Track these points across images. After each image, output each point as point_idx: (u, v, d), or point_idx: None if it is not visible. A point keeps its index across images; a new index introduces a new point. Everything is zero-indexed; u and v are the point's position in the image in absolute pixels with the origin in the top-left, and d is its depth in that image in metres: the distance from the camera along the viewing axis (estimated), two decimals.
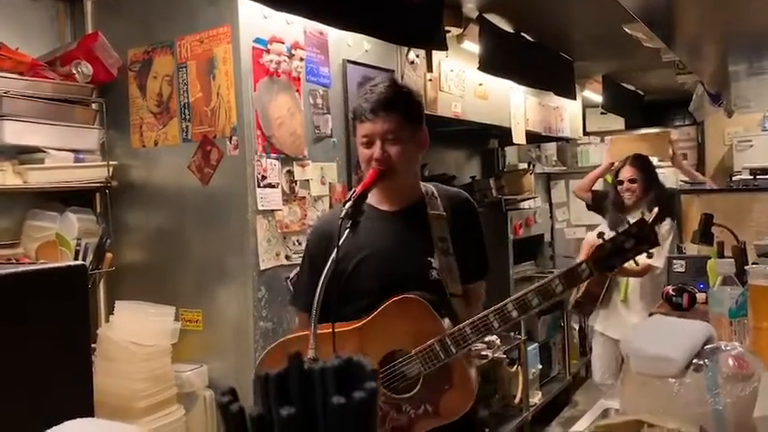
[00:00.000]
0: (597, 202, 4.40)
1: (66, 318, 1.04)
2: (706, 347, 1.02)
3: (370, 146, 1.72)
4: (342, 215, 1.63)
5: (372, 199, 1.82)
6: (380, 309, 1.68)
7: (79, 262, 1.78)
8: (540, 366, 4.99)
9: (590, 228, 5.52)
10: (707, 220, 2.94)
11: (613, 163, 4.50)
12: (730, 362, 0.96)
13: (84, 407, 1.03)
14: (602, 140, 6.28)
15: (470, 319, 1.62)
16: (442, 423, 1.65)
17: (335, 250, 1.58)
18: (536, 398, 4.83)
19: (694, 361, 0.99)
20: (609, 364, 3.88)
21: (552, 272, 5.55)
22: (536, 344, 4.93)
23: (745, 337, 1.56)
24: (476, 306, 1.81)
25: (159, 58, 2.53)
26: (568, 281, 1.57)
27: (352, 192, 1.68)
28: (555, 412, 5.17)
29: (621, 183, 3.73)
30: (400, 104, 1.72)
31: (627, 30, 3.10)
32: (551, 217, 6.56)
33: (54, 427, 0.66)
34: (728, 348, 1.00)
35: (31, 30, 2.60)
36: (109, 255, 2.58)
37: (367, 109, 1.71)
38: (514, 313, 1.58)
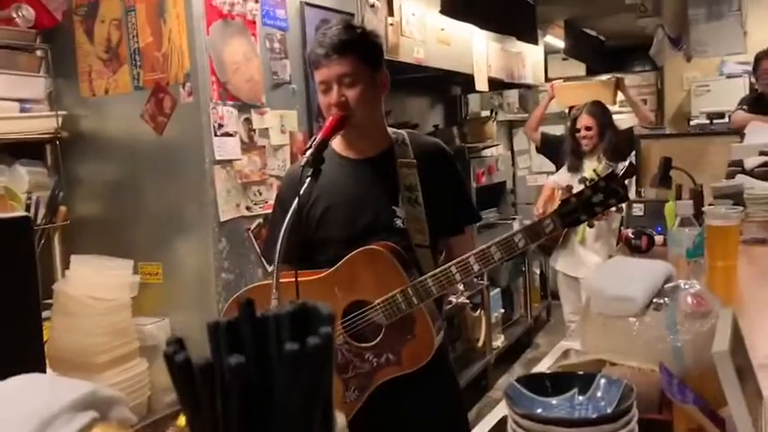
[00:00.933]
0: (549, 147, 4.48)
1: (11, 272, 0.99)
2: (666, 286, 1.03)
3: (329, 92, 1.68)
4: (302, 163, 1.60)
5: (338, 146, 1.79)
6: (345, 259, 1.68)
7: (23, 213, 1.71)
8: (503, 310, 5.09)
9: (551, 174, 5.59)
10: (666, 164, 2.98)
11: (552, 97, 4.62)
12: (689, 300, 0.97)
13: (35, 363, 1.00)
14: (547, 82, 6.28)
15: (432, 272, 1.62)
16: (404, 372, 1.67)
17: (296, 198, 1.55)
18: (498, 341, 4.94)
19: (654, 300, 1.00)
20: (573, 301, 3.99)
21: (514, 218, 5.65)
22: (498, 288, 5.02)
23: (701, 276, 1.59)
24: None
25: (106, 1, 2.41)
26: (531, 235, 1.57)
27: (312, 139, 1.64)
28: (517, 354, 5.30)
29: (579, 131, 3.84)
30: (355, 46, 1.67)
31: None
32: (513, 164, 6.60)
33: None
34: (687, 287, 1.00)
35: None
36: (62, 208, 2.49)
37: (321, 54, 1.66)
38: (476, 266, 1.59)
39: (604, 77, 5.00)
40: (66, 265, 2.40)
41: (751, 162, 3.18)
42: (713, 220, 1.88)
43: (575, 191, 4.52)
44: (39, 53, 2.47)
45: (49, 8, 2.40)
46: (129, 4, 2.35)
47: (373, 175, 1.78)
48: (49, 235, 2.50)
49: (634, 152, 4.28)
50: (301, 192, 1.57)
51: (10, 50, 2.34)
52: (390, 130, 1.84)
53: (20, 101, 2.37)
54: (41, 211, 2.45)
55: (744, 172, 3.06)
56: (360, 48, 1.68)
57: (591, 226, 3.59)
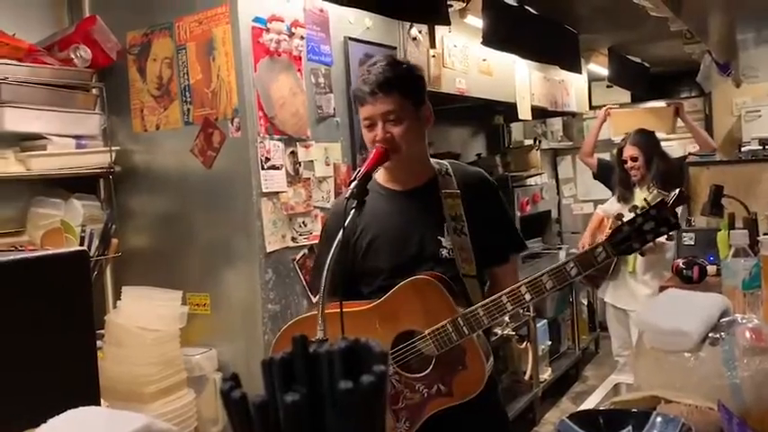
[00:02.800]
0: (603, 172, 4.39)
1: (69, 304, 1.03)
2: (722, 320, 1.00)
3: (373, 128, 1.70)
4: (347, 195, 1.62)
5: (382, 179, 1.81)
6: (394, 289, 1.68)
7: (81, 248, 1.76)
8: (550, 342, 4.99)
9: (598, 203, 5.49)
10: (717, 192, 2.90)
11: (604, 120, 4.48)
12: (747, 334, 0.94)
13: (89, 394, 1.02)
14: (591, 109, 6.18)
15: (483, 301, 1.61)
16: (455, 403, 1.65)
17: (341, 231, 1.56)
18: (546, 374, 4.84)
19: (710, 335, 0.97)
20: (623, 335, 3.89)
21: (560, 248, 5.57)
22: (545, 320, 4.93)
23: (758, 308, 1.53)
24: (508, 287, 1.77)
25: (158, 40, 2.50)
26: (583, 264, 1.54)
27: (357, 171, 1.66)
28: (565, 388, 5.18)
29: (626, 162, 3.75)
30: (399, 83, 1.69)
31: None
32: (558, 193, 6.52)
33: (57, 416, 0.65)
34: (745, 321, 0.97)
35: (29, 15, 2.56)
36: (114, 240, 2.56)
37: (366, 91, 1.68)
38: (528, 296, 1.57)
39: (662, 103, 4.85)
40: (117, 296, 2.47)
41: None
42: None
43: (625, 219, 4.42)
44: (94, 91, 2.57)
45: (104, 48, 2.50)
46: (181, 42, 2.44)
47: (418, 206, 1.79)
48: (102, 266, 2.57)
49: (682, 180, 4.19)
50: (346, 224, 1.58)
51: (68, 90, 2.45)
52: (433, 161, 1.84)
53: (76, 137, 2.46)
54: (95, 244, 2.53)
55: None
56: (404, 85, 1.70)
57: (642, 254, 3.50)
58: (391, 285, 1.69)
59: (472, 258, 1.74)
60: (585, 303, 5.83)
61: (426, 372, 1.66)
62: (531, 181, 5.35)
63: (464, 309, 1.62)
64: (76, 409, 0.65)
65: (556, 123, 6.26)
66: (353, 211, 1.59)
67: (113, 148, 2.57)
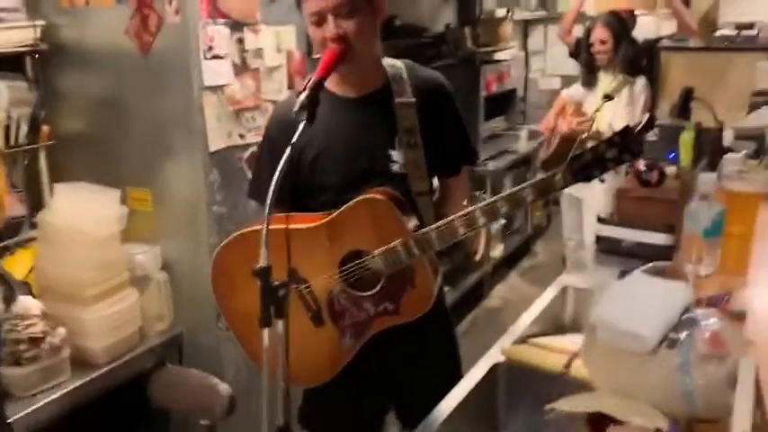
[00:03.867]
0: (580, 51, 4.22)
1: None
2: (683, 317, 0.94)
3: (322, 23, 1.51)
4: (296, 108, 1.46)
5: (330, 83, 1.65)
6: (344, 207, 1.59)
7: None
8: (504, 220, 5.04)
9: (566, 79, 5.35)
10: (686, 95, 2.80)
11: None
12: (705, 341, 0.89)
13: None
14: None
15: (436, 224, 1.54)
16: (402, 321, 1.63)
17: (289, 148, 1.43)
18: (497, 250, 4.94)
19: (669, 335, 0.91)
20: (574, 219, 3.93)
21: (522, 126, 5.47)
22: None
23: (716, 257, 1.50)
24: (459, 199, 1.73)
25: None
26: (540, 191, 1.47)
27: (307, 79, 1.50)
28: (514, 262, 5.32)
29: (592, 44, 3.63)
30: None
31: None
32: (526, 66, 6.31)
33: None
34: (706, 322, 0.91)
35: None
36: (45, 127, 2.36)
37: None
38: (482, 220, 1.50)
39: None
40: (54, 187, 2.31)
41: None
42: (732, 183, 1.76)
43: (586, 106, 4.29)
44: None
45: None
46: None
47: (369, 116, 1.66)
48: (35, 155, 2.39)
49: (651, 65, 4.07)
50: (294, 140, 1.44)
51: None
52: (387, 62, 1.69)
53: None
54: (23, 129, 2.33)
55: None
56: None
57: (602, 181, 3.44)
58: (340, 201, 1.60)
59: (425, 175, 1.67)
60: None
61: (374, 290, 1.62)
62: (499, 55, 5.13)
63: (416, 227, 1.55)
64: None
65: None
66: (303, 125, 1.45)
67: (38, 23, 2.29)
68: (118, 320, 2.17)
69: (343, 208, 1.59)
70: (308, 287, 1.60)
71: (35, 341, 1.93)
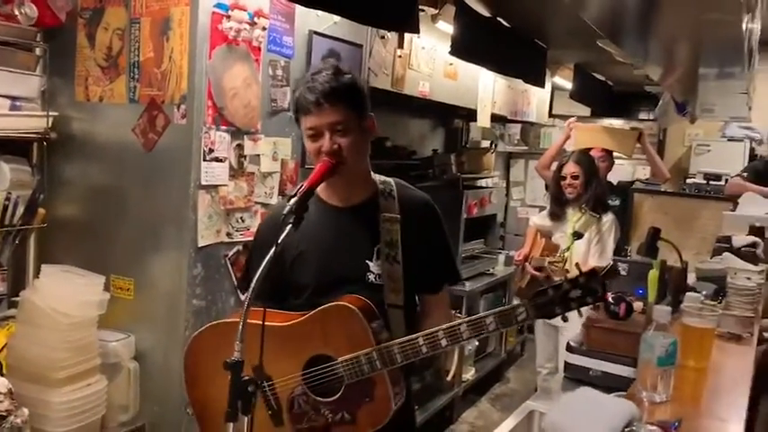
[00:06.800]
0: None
1: None
2: (626, 430, 1.01)
3: (318, 138, 1.64)
4: (285, 211, 1.56)
5: (321, 191, 1.76)
6: (316, 311, 1.65)
7: None
8: (477, 343, 5.05)
9: (543, 211, 5.56)
10: (654, 235, 2.95)
11: (569, 136, 4.48)
12: None
13: None
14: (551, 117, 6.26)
15: (399, 340, 1.60)
16: None
17: (273, 248, 1.52)
18: (469, 373, 4.91)
19: None
20: (548, 349, 3.97)
21: (500, 251, 5.63)
22: None
23: (670, 386, 1.57)
24: (438, 318, 1.75)
25: (112, 8, 2.37)
26: (503, 320, 1.55)
27: (299, 186, 1.61)
28: (486, 387, 5.28)
29: (564, 178, 3.74)
30: (345, 93, 1.63)
31: (600, 44, 3.05)
32: (507, 194, 6.58)
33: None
34: None
35: None
36: (41, 210, 2.46)
37: (311, 100, 1.62)
38: (444, 342, 1.57)
39: (621, 121, 4.80)
40: (39, 269, 2.37)
41: (739, 241, 3.17)
42: (690, 318, 1.87)
43: (555, 237, 4.32)
44: (37, 51, 2.43)
45: (53, 7, 2.36)
46: (135, 15, 2.32)
47: (352, 226, 1.75)
48: (25, 236, 2.46)
49: (625, 205, 4.27)
50: (280, 240, 1.53)
51: (8, 47, 2.30)
52: (378, 178, 1.80)
53: (11, 98, 2.33)
54: (19, 211, 2.41)
55: (731, 250, 3.04)
56: (350, 95, 1.65)
57: (564, 320, 3.53)
58: (316, 303, 1.66)
59: (401, 288, 1.72)
60: None
61: (334, 398, 1.65)
62: (482, 182, 5.37)
63: (384, 339, 1.61)
64: None
65: (514, 128, 6.30)
66: (290, 227, 1.55)
67: (51, 113, 2.44)
68: (83, 407, 2.16)
69: (314, 311, 1.64)
70: (272, 385, 1.62)
71: None
